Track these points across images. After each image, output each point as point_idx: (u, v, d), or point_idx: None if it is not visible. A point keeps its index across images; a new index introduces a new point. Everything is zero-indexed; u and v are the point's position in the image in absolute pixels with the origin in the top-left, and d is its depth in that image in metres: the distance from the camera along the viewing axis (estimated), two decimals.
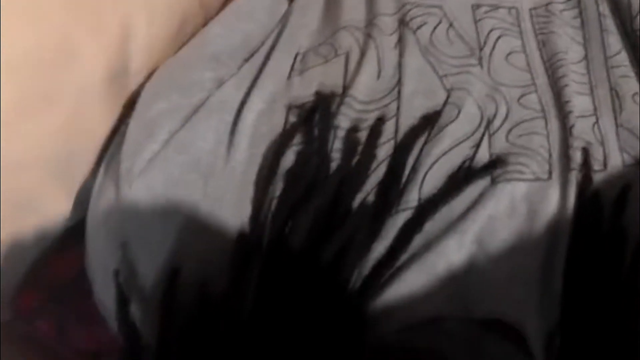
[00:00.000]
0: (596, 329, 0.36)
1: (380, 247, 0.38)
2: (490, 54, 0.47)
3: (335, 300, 0.36)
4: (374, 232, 0.38)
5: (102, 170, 0.42)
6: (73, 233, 0.45)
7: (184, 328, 0.37)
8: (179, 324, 0.37)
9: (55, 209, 0.43)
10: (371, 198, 0.39)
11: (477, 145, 0.42)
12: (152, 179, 0.40)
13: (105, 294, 0.40)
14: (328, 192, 0.39)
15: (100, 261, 0.40)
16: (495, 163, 0.40)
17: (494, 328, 0.37)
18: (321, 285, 0.36)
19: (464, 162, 0.41)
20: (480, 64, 0.46)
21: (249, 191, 0.41)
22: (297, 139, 0.42)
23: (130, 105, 0.45)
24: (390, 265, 0.38)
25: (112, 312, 0.39)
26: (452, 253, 0.38)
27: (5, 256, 0.41)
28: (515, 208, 0.40)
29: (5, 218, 0.41)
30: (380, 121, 0.42)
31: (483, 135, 0.43)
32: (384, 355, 0.35)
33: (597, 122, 0.44)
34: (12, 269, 0.42)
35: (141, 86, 0.46)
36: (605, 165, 0.42)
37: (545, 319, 0.37)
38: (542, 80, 0.46)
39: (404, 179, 0.40)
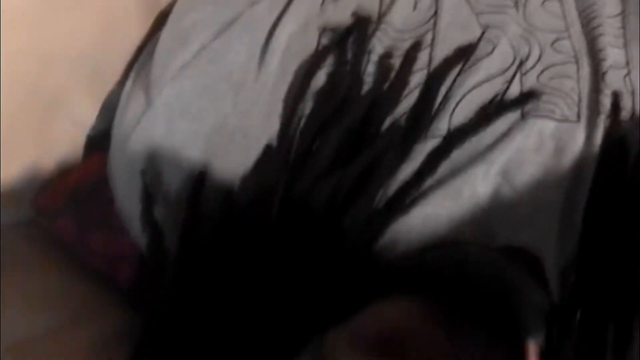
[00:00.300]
0: (611, 267, 0.36)
1: (407, 170, 0.38)
2: None
3: (359, 216, 0.36)
4: (402, 155, 0.38)
5: (131, 78, 0.42)
6: (95, 142, 0.45)
7: (206, 234, 0.38)
8: (202, 228, 0.38)
9: (82, 113, 0.43)
10: (401, 123, 0.40)
11: (509, 82, 0.42)
12: (183, 86, 0.40)
13: (128, 199, 0.40)
14: (358, 113, 0.39)
15: (125, 166, 0.40)
16: (527, 97, 0.40)
17: (513, 258, 0.37)
18: (346, 200, 0.36)
19: (495, 96, 0.41)
20: (516, 7, 0.46)
21: (278, 108, 0.41)
22: (329, 60, 0.42)
23: (162, 19, 0.45)
24: (416, 188, 0.38)
25: (133, 218, 0.40)
26: (477, 182, 0.38)
27: (32, 155, 0.42)
28: (543, 144, 0.40)
29: (34, 116, 0.41)
30: (414, 49, 0.42)
31: (515, 73, 0.43)
32: (406, 274, 0.35)
33: (628, 74, 0.44)
34: (37, 169, 0.42)
35: (174, 2, 0.46)
36: (633, 115, 0.42)
37: (562, 254, 0.38)
38: (576, 28, 0.46)
39: (435, 107, 0.40)
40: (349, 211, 0.36)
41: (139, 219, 0.39)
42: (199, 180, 0.37)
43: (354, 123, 0.38)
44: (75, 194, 0.43)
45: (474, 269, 0.35)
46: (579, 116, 0.41)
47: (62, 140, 0.42)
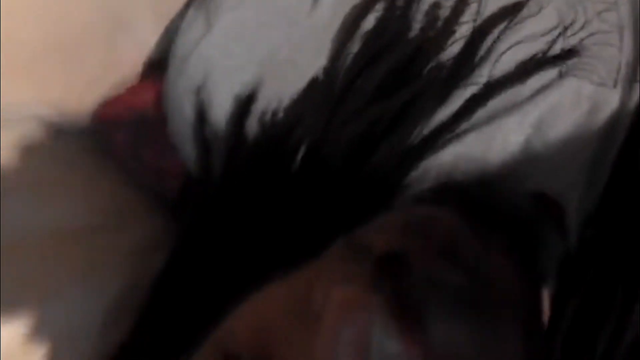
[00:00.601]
0: (629, 228, 0.38)
1: (444, 113, 0.40)
2: None
3: (394, 148, 0.38)
4: (441, 99, 0.40)
5: (194, 4, 0.45)
6: (153, 65, 0.48)
7: (248, 154, 0.40)
8: (245, 150, 0.41)
9: (146, 35, 0.46)
10: (444, 69, 0.41)
11: (552, 43, 0.43)
12: (242, 15, 0.42)
13: (181, 119, 0.43)
14: (403, 55, 0.41)
15: (181, 87, 0.43)
16: (568, 54, 0.42)
17: (538, 203, 0.39)
18: (383, 133, 0.38)
19: (536, 54, 0.43)
20: None
21: (327, 45, 0.43)
22: (380, 6, 0.44)
23: None
24: (451, 130, 0.40)
25: (184, 137, 0.43)
26: (510, 130, 0.40)
27: (96, 71, 0.45)
28: (579, 103, 0.41)
29: (100, 35, 0.44)
30: (463, 2, 0.44)
31: (559, 36, 0.44)
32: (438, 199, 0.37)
33: None
34: (100, 85, 0.45)
35: None
36: None
37: (584, 208, 0.39)
38: (624, 1, 0.47)
39: (477, 58, 0.42)
40: (384, 143, 0.38)
41: (189, 138, 0.42)
42: (247, 101, 0.40)
43: (397, 64, 0.40)
44: (132, 111, 0.46)
45: (499, 204, 0.37)
46: (616, 83, 0.43)
47: (125, 60, 0.46)
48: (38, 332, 0.37)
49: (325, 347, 0.25)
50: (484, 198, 0.35)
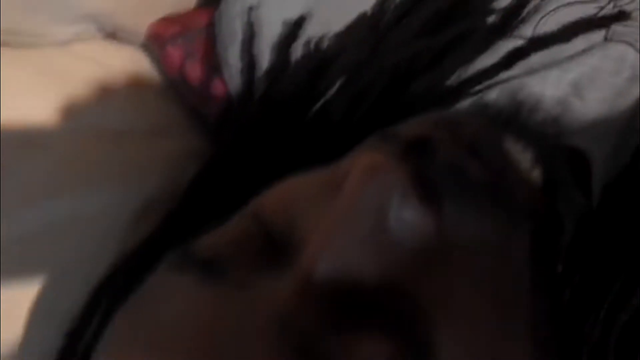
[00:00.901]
0: None
1: (485, 61, 0.41)
2: None
3: (432, 85, 0.39)
4: (484, 46, 0.41)
5: None
6: None
7: (290, 82, 0.42)
8: (288, 74, 0.42)
9: None
10: (491, 19, 0.42)
11: (601, 8, 0.44)
12: None
13: (231, 41, 0.45)
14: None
15: (234, 10, 0.45)
16: (616, 17, 0.42)
17: (566, 155, 0.39)
18: (423, 69, 0.40)
19: (582, 17, 0.43)
20: None
21: None
22: None
23: None
24: (488, 77, 0.41)
25: (231, 59, 0.45)
26: (548, 85, 0.41)
27: None
28: (620, 69, 0.42)
29: None
30: None
31: (609, 3, 0.44)
32: None
33: None
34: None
35: None
36: None
37: (609, 171, 0.40)
38: None
39: (524, 13, 0.43)
40: (422, 79, 0.39)
41: (236, 58, 0.44)
42: (296, 27, 0.42)
43: (446, 6, 0.41)
44: (186, 30, 0.48)
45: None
46: None
47: None
48: (74, 218, 0.39)
49: (345, 206, 0.26)
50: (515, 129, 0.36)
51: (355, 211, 0.25)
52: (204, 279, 0.27)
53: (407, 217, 0.26)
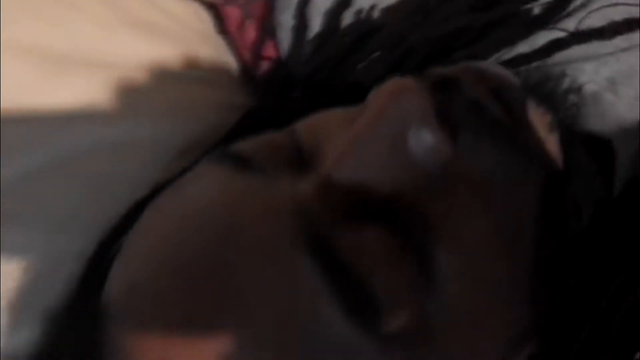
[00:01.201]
0: None
1: (524, 47, 0.43)
2: None
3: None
4: (526, 33, 0.43)
5: None
6: None
7: (336, 47, 0.45)
8: (336, 42, 0.45)
9: None
10: (536, 8, 0.44)
11: None
12: None
13: (286, 2, 0.48)
14: None
15: None
16: None
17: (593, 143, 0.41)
18: (465, 44, 0.41)
19: (627, 18, 0.44)
20: None
21: None
22: None
23: None
24: (525, 63, 0.42)
25: (285, 21, 0.48)
26: (584, 76, 0.42)
27: None
28: None
29: None
30: None
31: None
32: None
33: None
34: None
35: None
36: None
37: (634, 165, 0.41)
38: None
39: (571, 8, 0.44)
40: (463, 53, 0.41)
41: (289, 20, 0.47)
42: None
43: None
44: None
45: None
46: None
47: None
48: (121, 143, 0.43)
49: (369, 120, 0.28)
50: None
51: (377, 126, 0.28)
52: (237, 170, 0.30)
53: (425, 139, 0.28)
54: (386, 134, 0.28)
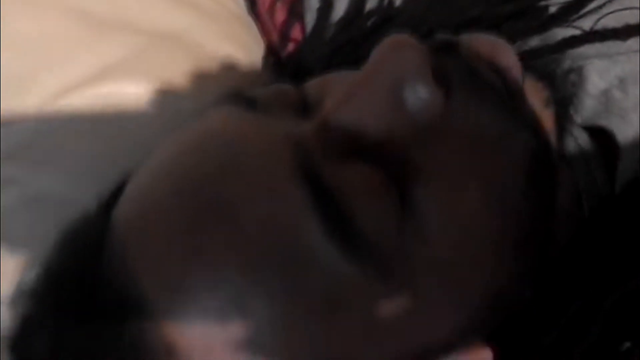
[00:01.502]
0: None
1: (536, 42, 0.44)
2: None
3: None
4: (541, 28, 0.44)
5: None
6: None
7: (358, 29, 0.47)
8: (358, 24, 0.47)
9: None
10: (553, 7, 0.45)
11: None
12: None
13: None
14: None
15: None
16: None
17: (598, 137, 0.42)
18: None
19: None
20: None
21: None
22: None
23: None
24: (537, 57, 0.44)
25: (312, 3, 0.50)
26: (595, 73, 0.43)
27: None
28: None
29: None
30: None
31: None
32: None
33: None
34: None
35: None
36: None
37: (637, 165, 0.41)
38: None
39: (587, 9, 0.46)
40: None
41: (316, 3, 0.50)
42: None
43: None
44: None
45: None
46: None
47: None
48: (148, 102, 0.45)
49: (368, 70, 0.30)
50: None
51: (377, 75, 0.30)
52: (246, 109, 0.32)
53: (419, 92, 0.30)
54: (384, 83, 0.30)
